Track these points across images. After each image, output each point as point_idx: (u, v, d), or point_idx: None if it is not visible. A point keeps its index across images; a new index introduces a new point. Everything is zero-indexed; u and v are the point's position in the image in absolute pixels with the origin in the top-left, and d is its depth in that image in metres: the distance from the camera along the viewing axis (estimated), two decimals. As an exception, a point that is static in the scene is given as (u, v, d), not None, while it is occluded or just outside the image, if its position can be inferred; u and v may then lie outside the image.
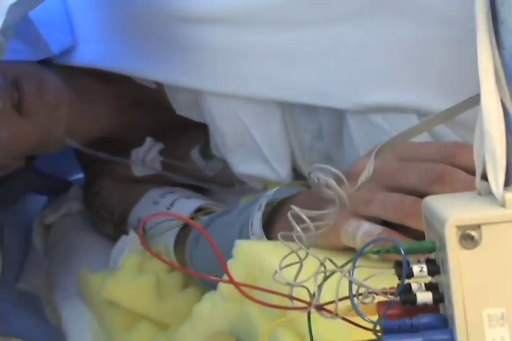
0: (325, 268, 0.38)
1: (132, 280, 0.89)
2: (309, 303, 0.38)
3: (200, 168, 1.17)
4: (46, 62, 1.12)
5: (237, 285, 0.39)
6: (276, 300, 0.42)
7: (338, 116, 0.88)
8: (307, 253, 0.39)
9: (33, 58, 1.10)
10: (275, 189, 0.73)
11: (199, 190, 1.18)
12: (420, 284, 0.37)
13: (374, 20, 0.81)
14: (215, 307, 0.61)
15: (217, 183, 1.18)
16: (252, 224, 0.71)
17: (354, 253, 0.38)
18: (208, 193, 1.19)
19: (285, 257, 0.39)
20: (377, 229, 0.56)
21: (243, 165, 0.98)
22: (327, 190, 0.39)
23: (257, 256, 0.54)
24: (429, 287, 0.38)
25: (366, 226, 0.57)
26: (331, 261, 0.38)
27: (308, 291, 0.39)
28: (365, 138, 0.85)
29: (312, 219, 0.39)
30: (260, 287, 0.42)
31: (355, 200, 0.56)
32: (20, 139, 1.04)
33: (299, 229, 0.37)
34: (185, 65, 0.92)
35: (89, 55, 1.07)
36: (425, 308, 0.37)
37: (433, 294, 0.37)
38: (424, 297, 0.37)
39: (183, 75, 0.93)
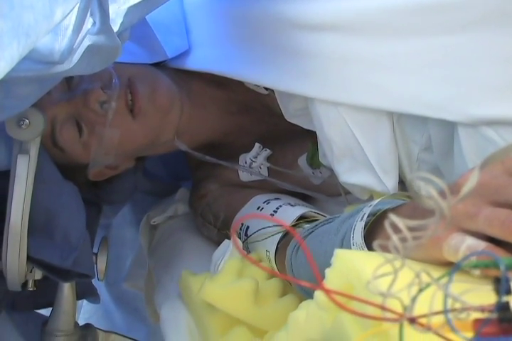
0: (420, 279, 0.37)
1: (231, 284, 0.89)
2: (401, 315, 0.37)
3: (306, 176, 1.16)
4: (160, 65, 1.14)
5: (328, 292, 0.38)
6: (370, 309, 0.41)
7: (449, 128, 0.86)
8: (402, 264, 0.37)
9: (148, 61, 1.12)
10: (379, 199, 0.72)
11: (305, 197, 1.17)
12: (519, 302, 0.36)
13: (491, 31, 0.78)
14: (310, 315, 0.60)
15: (323, 192, 1.18)
16: (353, 233, 0.70)
17: (452, 268, 0.36)
18: (313, 201, 1.19)
19: (379, 267, 0.38)
20: (481, 245, 0.54)
21: (349, 175, 0.97)
22: (428, 200, 0.38)
23: (354, 266, 0.53)
24: (528, 306, 0.36)
25: (470, 240, 0.55)
26: (426, 272, 0.37)
27: (402, 303, 0.37)
28: (476, 150, 0.82)
29: (412, 229, 0.38)
30: (352, 295, 0.41)
31: (459, 213, 0.54)
32: (130, 139, 1.06)
33: (395, 238, 0.36)
34: (297, 72, 0.92)
35: (202, 59, 1.08)
36: (523, 327, 0.35)
37: (532, 313, 0.35)
38: (523, 316, 0.35)
39: (294, 82, 0.93)
